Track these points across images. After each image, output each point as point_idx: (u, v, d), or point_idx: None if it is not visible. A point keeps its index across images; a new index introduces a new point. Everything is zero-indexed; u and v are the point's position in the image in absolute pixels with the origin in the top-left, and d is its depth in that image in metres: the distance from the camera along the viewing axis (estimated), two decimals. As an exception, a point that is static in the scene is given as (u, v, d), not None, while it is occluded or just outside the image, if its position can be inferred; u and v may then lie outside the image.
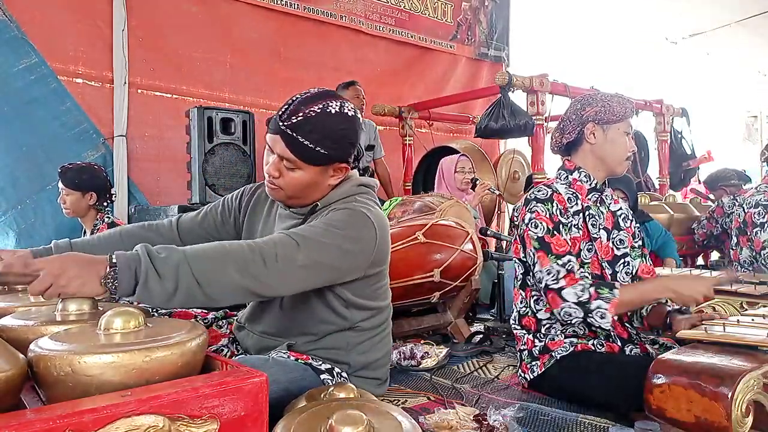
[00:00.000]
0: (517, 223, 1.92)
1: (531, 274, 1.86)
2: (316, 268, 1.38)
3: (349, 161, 1.56)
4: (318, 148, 1.44)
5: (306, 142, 1.43)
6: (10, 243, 3.59)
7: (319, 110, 1.44)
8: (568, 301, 1.71)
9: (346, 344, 1.59)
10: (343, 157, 1.53)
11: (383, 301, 1.66)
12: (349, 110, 1.50)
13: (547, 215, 1.81)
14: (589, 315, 1.70)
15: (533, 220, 1.82)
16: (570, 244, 1.81)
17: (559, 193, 1.87)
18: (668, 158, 5.40)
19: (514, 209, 4.92)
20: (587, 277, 1.77)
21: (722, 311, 2.10)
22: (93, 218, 2.99)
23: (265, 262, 1.29)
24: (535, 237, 1.80)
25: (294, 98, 1.47)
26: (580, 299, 1.70)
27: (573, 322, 1.75)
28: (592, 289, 1.70)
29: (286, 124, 1.44)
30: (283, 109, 1.47)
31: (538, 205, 1.83)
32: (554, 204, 1.83)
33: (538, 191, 1.87)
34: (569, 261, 1.76)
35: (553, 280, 1.75)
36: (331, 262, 1.41)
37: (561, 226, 1.82)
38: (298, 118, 1.43)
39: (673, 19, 7.70)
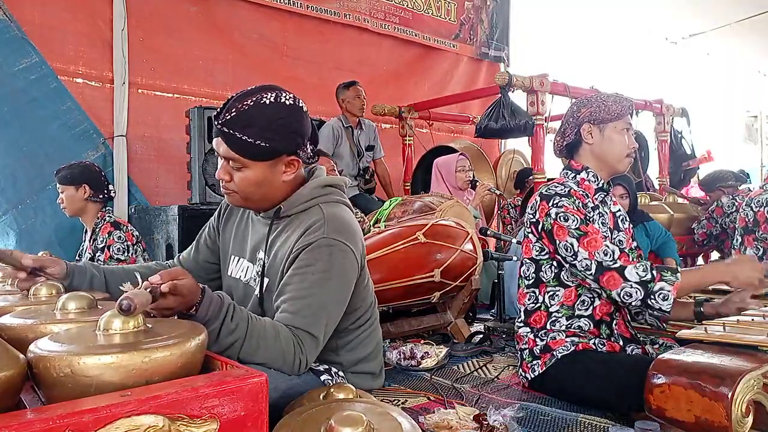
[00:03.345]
0: (533, 220, 1.89)
1: (566, 266, 1.82)
2: (332, 324, 1.47)
3: (298, 153, 1.48)
4: (258, 142, 1.39)
5: (244, 138, 1.39)
6: (11, 243, 3.59)
7: (252, 103, 1.40)
8: (630, 281, 1.68)
9: (335, 346, 1.60)
10: (290, 149, 1.46)
11: (366, 300, 1.66)
12: (287, 99, 1.44)
13: (575, 207, 1.80)
14: (651, 296, 1.66)
15: (562, 214, 1.79)
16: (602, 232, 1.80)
17: (575, 190, 1.86)
18: (668, 158, 5.40)
19: (516, 206, 4.93)
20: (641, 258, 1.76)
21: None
22: (93, 216, 2.96)
23: (299, 363, 1.37)
24: (573, 227, 1.77)
25: (230, 97, 1.44)
26: (643, 279, 1.67)
27: (631, 304, 1.71)
28: (654, 271, 1.68)
29: (221, 122, 1.40)
30: (219, 110, 1.43)
31: (563, 199, 1.81)
32: (575, 198, 1.82)
33: (556, 187, 1.85)
34: (614, 244, 1.76)
35: (611, 260, 1.71)
36: (339, 311, 1.48)
37: (588, 217, 1.81)
38: (232, 114, 1.39)
39: (673, 19, 7.71)
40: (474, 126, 4.68)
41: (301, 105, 1.48)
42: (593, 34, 7.61)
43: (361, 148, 4.49)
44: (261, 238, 1.57)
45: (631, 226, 2.04)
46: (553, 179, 2.00)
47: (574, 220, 1.78)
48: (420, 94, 5.51)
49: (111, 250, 2.84)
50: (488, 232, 3.26)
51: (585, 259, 1.74)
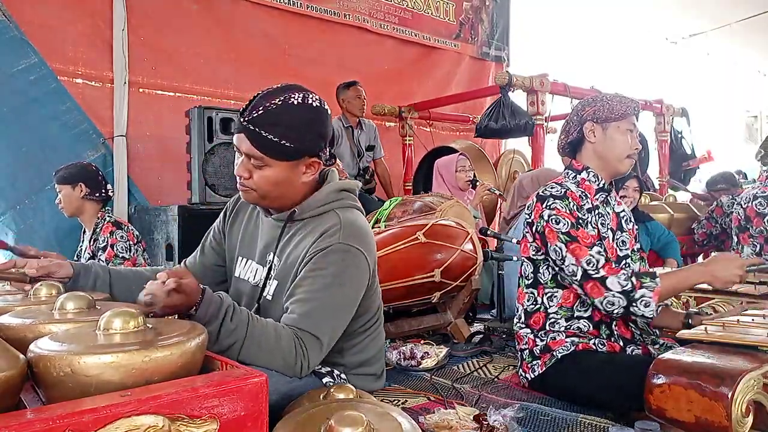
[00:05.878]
0: (529, 220, 1.89)
1: (556, 269, 1.83)
2: (339, 329, 1.47)
3: (320, 155, 1.50)
4: (283, 142, 1.41)
5: (270, 136, 1.40)
6: (9, 243, 3.58)
7: (280, 102, 1.41)
8: (611, 290, 1.70)
9: (341, 349, 1.59)
10: (313, 150, 1.48)
11: (374, 304, 1.66)
12: (313, 101, 1.46)
13: (567, 211, 1.81)
14: (633, 304, 1.69)
15: (554, 216, 1.81)
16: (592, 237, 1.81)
17: (572, 191, 1.86)
18: (668, 158, 5.40)
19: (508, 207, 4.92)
20: (628, 267, 1.77)
21: (723, 311, 2.10)
22: (92, 216, 2.96)
23: (301, 366, 1.37)
24: (562, 231, 1.79)
25: (256, 94, 1.45)
26: (624, 288, 1.69)
27: (614, 312, 1.72)
28: (634, 279, 1.70)
29: (247, 119, 1.41)
30: (245, 106, 1.44)
31: (556, 201, 1.82)
32: (569, 200, 1.83)
33: (552, 188, 1.86)
34: (600, 252, 1.76)
35: (593, 270, 1.73)
36: (347, 316, 1.48)
37: (580, 221, 1.82)
38: (259, 112, 1.40)
39: (673, 19, 7.71)
40: (474, 126, 4.68)
41: (326, 108, 1.50)
42: (593, 34, 7.62)
43: (361, 148, 4.49)
44: (272, 240, 1.57)
45: (635, 226, 2.03)
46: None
47: (564, 224, 1.79)
48: (423, 94, 5.51)
49: (115, 249, 2.85)
50: (488, 232, 3.25)
51: (572, 264, 1.76)
